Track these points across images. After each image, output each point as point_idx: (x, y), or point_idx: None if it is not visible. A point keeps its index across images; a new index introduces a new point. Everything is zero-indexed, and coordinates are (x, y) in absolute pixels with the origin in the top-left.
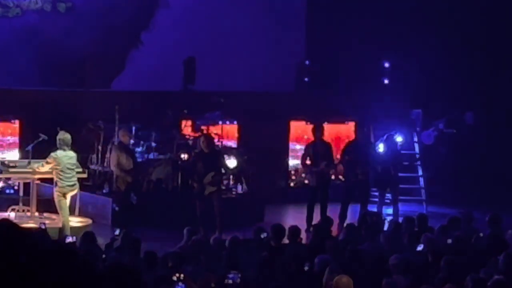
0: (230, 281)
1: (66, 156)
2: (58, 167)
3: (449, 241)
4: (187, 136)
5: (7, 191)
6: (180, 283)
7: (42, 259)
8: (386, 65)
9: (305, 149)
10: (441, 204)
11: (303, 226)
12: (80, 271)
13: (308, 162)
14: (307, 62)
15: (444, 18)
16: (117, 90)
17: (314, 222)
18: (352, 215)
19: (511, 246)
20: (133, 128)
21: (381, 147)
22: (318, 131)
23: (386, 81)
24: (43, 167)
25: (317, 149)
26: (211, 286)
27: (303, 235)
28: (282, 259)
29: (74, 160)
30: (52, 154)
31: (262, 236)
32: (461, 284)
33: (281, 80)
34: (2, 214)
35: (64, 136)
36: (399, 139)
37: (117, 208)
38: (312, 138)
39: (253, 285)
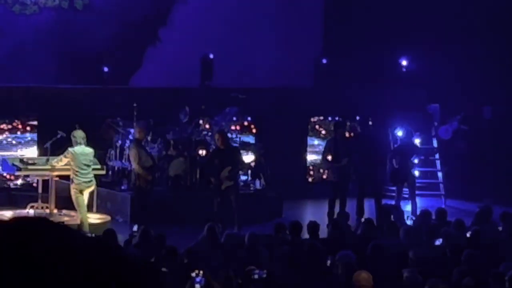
0: (256, 276)
1: (83, 152)
2: (73, 163)
3: (468, 234)
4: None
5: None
6: (198, 279)
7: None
8: (404, 59)
9: (326, 145)
10: (460, 198)
11: (321, 221)
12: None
13: (329, 158)
14: (324, 61)
15: (462, 12)
16: (135, 87)
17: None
18: (368, 209)
19: None
20: (151, 124)
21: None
22: (340, 127)
23: (403, 76)
24: (61, 161)
25: (339, 145)
26: (230, 282)
27: (324, 230)
28: (301, 254)
29: (90, 157)
30: (70, 149)
31: (281, 231)
32: (480, 278)
33: (299, 76)
34: (21, 212)
35: (77, 133)
36: (417, 140)
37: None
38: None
39: (275, 280)
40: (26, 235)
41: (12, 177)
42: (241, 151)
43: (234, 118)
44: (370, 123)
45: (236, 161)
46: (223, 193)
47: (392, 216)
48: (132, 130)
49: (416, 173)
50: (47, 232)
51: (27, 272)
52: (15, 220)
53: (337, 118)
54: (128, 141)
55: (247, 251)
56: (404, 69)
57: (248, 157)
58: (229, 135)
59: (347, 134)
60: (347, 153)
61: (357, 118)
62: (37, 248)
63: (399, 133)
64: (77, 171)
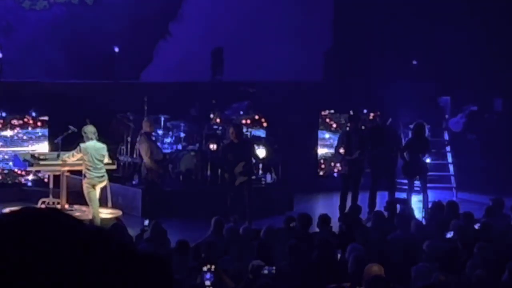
0: (266, 272)
1: (94, 147)
2: (86, 158)
3: (479, 226)
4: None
5: (29, 184)
6: (208, 274)
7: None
8: (414, 52)
9: (340, 138)
10: (471, 191)
11: (332, 214)
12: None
13: (341, 150)
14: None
15: (474, 4)
16: (145, 81)
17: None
18: (381, 203)
19: None
20: (162, 119)
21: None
22: (354, 120)
23: (414, 68)
24: (72, 157)
25: (352, 138)
26: (241, 276)
27: (335, 223)
28: (311, 247)
29: (102, 152)
30: (81, 145)
31: (291, 225)
32: (492, 271)
33: (309, 69)
34: None
35: (87, 128)
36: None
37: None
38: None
39: (285, 275)
40: (34, 225)
41: (24, 173)
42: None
43: (241, 112)
44: (390, 118)
45: (250, 155)
46: (237, 188)
47: (400, 209)
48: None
49: (428, 160)
50: (56, 222)
51: (32, 264)
52: (22, 210)
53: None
54: (138, 136)
55: (261, 245)
56: (414, 61)
57: (259, 151)
58: None
59: (362, 127)
60: (359, 146)
61: (365, 111)
62: (44, 239)
63: (411, 126)
64: (89, 166)
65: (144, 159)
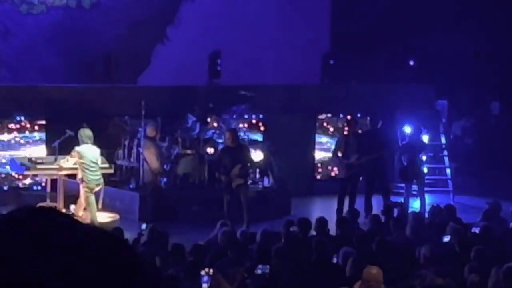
0: (260, 271)
1: (90, 150)
2: (82, 161)
3: (476, 230)
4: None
5: (34, 187)
6: (206, 277)
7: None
8: (411, 56)
9: (338, 142)
10: (468, 194)
11: (329, 218)
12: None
13: (339, 154)
14: (331, 61)
15: (472, 7)
16: (143, 85)
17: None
18: (377, 206)
19: None
20: (159, 123)
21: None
22: (351, 124)
23: (411, 72)
24: (68, 162)
25: (350, 142)
26: (239, 280)
27: (332, 226)
28: (308, 250)
29: (97, 155)
30: (76, 148)
31: (291, 229)
32: (489, 274)
33: (307, 73)
34: None
35: (84, 131)
36: (425, 137)
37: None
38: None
39: (280, 276)
40: (33, 223)
41: (21, 177)
42: (250, 149)
43: (237, 116)
44: (380, 121)
45: (246, 159)
46: (233, 191)
47: (396, 213)
48: (140, 129)
49: (425, 169)
50: (55, 221)
51: (27, 263)
52: (20, 209)
53: (342, 116)
54: (136, 140)
55: (259, 248)
56: (412, 65)
57: (257, 155)
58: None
59: (359, 131)
60: (357, 150)
61: (368, 117)
62: (42, 238)
63: (407, 130)
64: (85, 169)
65: (154, 164)
